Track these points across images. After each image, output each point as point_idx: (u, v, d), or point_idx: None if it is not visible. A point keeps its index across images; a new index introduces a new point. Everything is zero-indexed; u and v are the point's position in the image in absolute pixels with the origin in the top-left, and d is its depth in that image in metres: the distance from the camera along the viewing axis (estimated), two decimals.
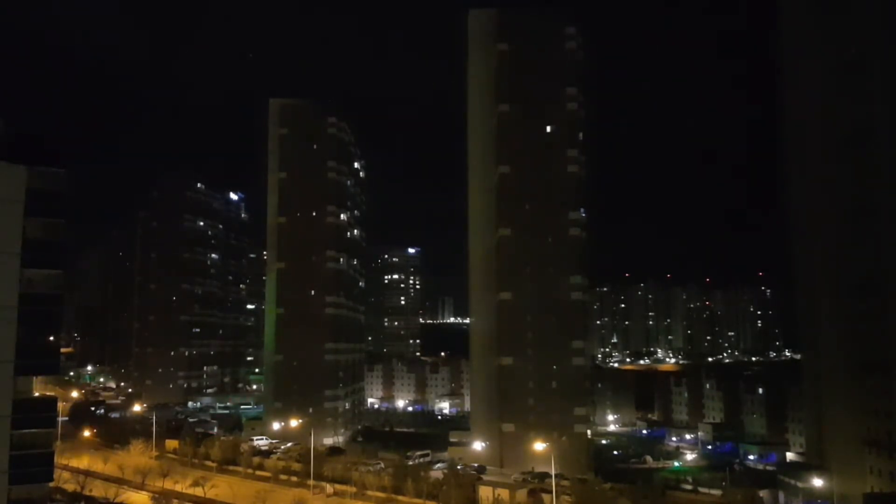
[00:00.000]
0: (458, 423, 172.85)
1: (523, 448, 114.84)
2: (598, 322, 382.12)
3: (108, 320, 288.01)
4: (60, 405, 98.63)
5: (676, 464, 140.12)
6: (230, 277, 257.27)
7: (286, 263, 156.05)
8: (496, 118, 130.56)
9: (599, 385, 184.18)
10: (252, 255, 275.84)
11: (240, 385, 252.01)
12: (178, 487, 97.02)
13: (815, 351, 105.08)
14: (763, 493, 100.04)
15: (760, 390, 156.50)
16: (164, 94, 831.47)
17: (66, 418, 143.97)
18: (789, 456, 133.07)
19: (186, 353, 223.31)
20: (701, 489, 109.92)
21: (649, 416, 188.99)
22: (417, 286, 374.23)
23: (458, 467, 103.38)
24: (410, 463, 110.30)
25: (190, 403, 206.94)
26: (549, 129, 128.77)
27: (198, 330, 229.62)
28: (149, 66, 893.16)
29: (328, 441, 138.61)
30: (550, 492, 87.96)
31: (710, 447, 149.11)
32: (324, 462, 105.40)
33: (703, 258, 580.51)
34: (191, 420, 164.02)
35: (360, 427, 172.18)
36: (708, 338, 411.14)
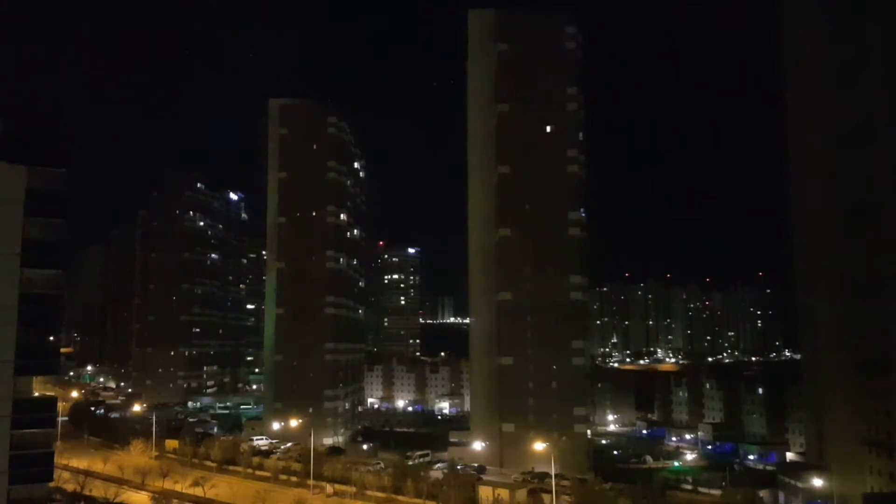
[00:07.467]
0: (458, 423, 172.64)
1: (523, 448, 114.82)
2: (598, 322, 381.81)
3: (108, 320, 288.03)
4: (60, 405, 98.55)
5: (676, 464, 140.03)
6: (230, 277, 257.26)
7: (286, 263, 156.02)
8: (496, 118, 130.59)
9: (599, 385, 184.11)
10: (252, 255, 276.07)
11: (240, 385, 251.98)
12: (178, 487, 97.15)
13: (815, 351, 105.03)
14: (763, 493, 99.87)
15: (760, 390, 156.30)
16: (164, 93, 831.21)
17: (66, 418, 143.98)
18: (789, 456, 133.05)
19: (186, 353, 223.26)
20: (701, 489, 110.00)
21: (649, 416, 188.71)
22: (417, 286, 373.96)
23: (458, 467, 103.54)
24: (410, 463, 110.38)
25: (190, 403, 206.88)
26: (549, 129, 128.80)
27: (198, 330, 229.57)
28: (149, 66, 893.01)
29: (328, 441, 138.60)
30: (550, 492, 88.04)
31: (710, 447, 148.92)
32: (324, 462, 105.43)
33: (703, 258, 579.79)
34: (191, 420, 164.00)
35: (360, 427, 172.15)
36: (708, 338, 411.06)
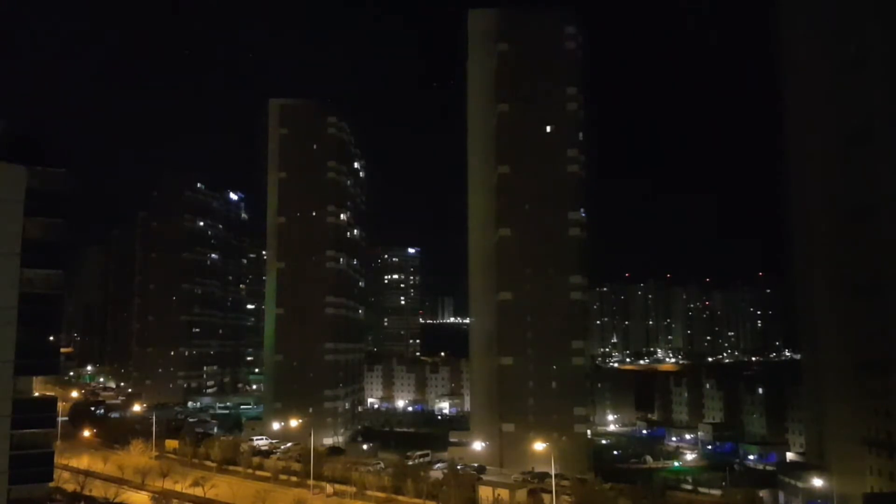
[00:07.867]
0: (458, 423, 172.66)
1: (523, 448, 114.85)
2: (598, 322, 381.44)
3: (108, 320, 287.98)
4: (60, 405, 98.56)
5: (676, 464, 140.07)
6: (230, 277, 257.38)
7: (286, 263, 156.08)
8: (496, 118, 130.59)
9: (599, 385, 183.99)
10: (252, 255, 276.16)
11: (240, 385, 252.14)
12: (178, 487, 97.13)
13: (815, 351, 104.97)
14: (763, 493, 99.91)
15: (760, 390, 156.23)
16: (164, 93, 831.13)
17: (66, 418, 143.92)
18: (789, 456, 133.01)
19: (186, 353, 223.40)
20: (701, 489, 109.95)
21: (649, 416, 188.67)
22: (417, 286, 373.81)
23: (458, 467, 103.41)
24: (410, 463, 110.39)
25: (190, 403, 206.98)
26: (548, 129, 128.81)
27: (198, 330, 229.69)
28: (149, 66, 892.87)
29: (328, 441, 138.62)
30: (550, 492, 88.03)
31: (710, 447, 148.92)
32: (324, 462, 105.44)
33: (703, 258, 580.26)
34: (191, 420, 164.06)
35: (360, 427, 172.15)
36: (708, 338, 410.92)
